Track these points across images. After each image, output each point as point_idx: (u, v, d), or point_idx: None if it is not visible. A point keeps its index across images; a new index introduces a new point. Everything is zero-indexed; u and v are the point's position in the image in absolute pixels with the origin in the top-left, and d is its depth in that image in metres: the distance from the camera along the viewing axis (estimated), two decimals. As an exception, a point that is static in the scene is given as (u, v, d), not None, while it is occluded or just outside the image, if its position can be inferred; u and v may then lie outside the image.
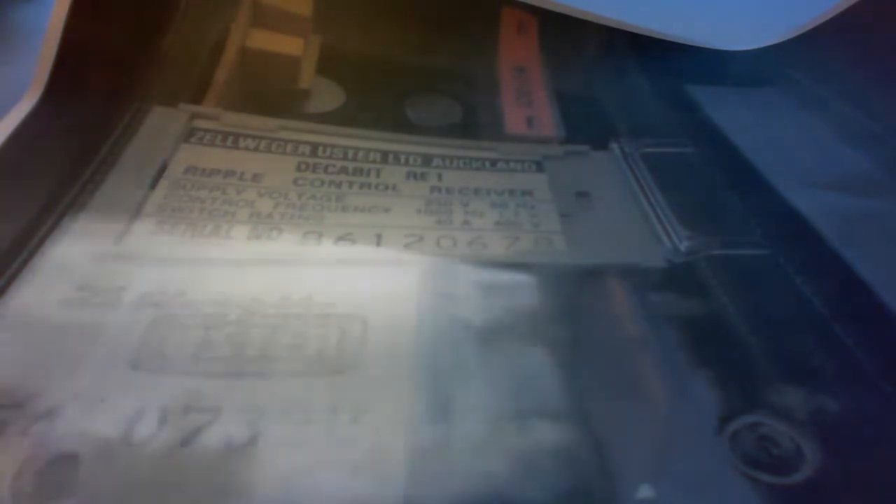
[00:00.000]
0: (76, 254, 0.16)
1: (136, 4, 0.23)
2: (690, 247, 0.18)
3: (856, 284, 0.17)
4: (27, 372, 0.13)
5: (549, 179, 0.21)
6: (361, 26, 0.26)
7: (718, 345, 0.16)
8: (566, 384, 0.14)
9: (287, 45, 0.25)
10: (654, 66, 0.28)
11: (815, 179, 0.21)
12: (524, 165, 0.22)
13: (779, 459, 0.13)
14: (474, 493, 0.12)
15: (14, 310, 0.14)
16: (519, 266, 0.17)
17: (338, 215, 0.19)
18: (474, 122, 0.24)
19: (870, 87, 0.27)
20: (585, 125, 0.24)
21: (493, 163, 0.22)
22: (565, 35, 0.28)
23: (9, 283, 0.15)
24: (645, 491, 0.12)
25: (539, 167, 0.22)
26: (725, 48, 0.28)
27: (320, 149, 0.21)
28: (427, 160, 0.22)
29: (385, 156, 0.21)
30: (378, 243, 0.18)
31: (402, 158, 0.21)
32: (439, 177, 0.21)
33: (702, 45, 0.27)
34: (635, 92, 0.27)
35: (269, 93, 0.24)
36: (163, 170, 0.19)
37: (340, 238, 0.18)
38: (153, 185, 0.19)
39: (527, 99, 0.25)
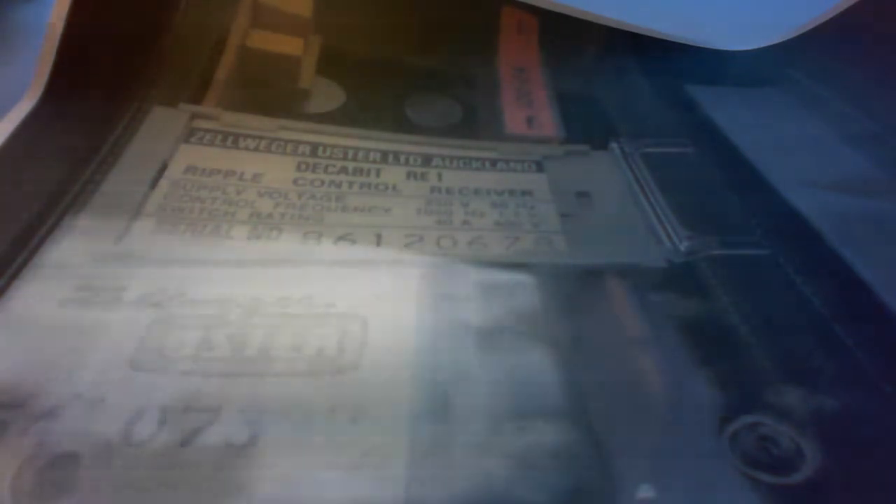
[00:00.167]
0: (76, 254, 0.16)
1: (136, 4, 0.23)
2: (690, 247, 0.18)
3: (856, 284, 0.17)
4: (27, 372, 0.13)
5: (549, 179, 0.21)
6: (361, 26, 0.26)
7: (718, 345, 0.16)
8: (566, 384, 0.14)
9: (287, 45, 0.25)
10: (654, 66, 0.28)
11: (815, 179, 0.21)
12: (524, 165, 0.22)
13: (779, 459, 0.13)
14: (474, 493, 0.12)
15: (14, 310, 0.14)
16: (519, 266, 0.17)
17: (338, 215, 0.19)
18: (474, 122, 0.24)
19: (870, 87, 0.27)
20: (585, 125, 0.24)
21: (493, 163, 0.22)
22: (565, 35, 0.28)
23: (9, 283, 0.15)
24: (645, 491, 0.12)
25: (539, 167, 0.22)
26: (725, 48, 0.28)
27: (320, 149, 0.21)
28: (427, 160, 0.22)
29: (385, 156, 0.21)
30: (378, 243, 0.18)
31: (402, 158, 0.21)
32: (439, 177, 0.21)
33: (702, 45, 0.28)
34: (635, 92, 0.27)
35: (269, 93, 0.24)
36: (163, 170, 0.19)
37: (340, 238, 0.18)
38: (153, 185, 0.19)
39: (527, 99, 0.25)
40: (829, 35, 0.28)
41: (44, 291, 0.15)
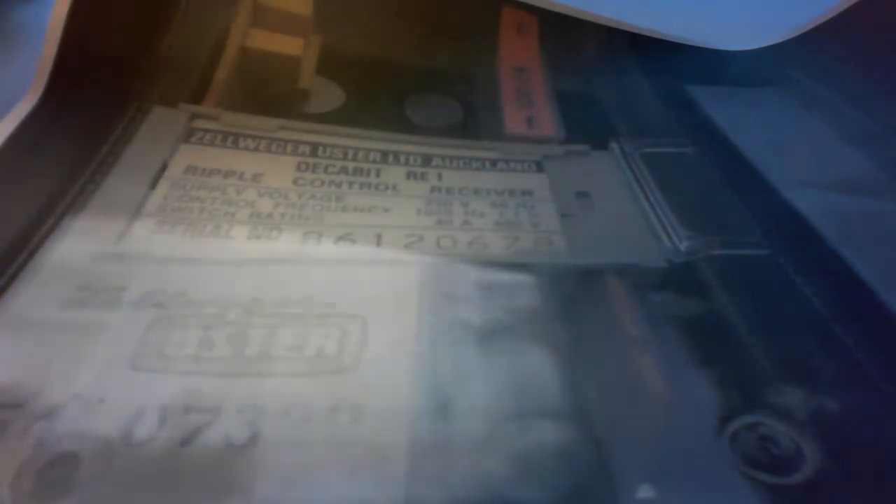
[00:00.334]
0: (76, 254, 0.16)
1: (136, 4, 0.23)
2: (690, 247, 0.18)
3: (856, 284, 0.17)
4: (27, 372, 0.13)
5: (549, 179, 0.21)
6: (361, 26, 0.26)
7: (718, 345, 0.16)
8: (566, 384, 0.14)
9: (287, 45, 0.25)
10: (654, 66, 0.28)
11: (815, 179, 0.21)
12: (524, 165, 0.22)
13: (779, 459, 0.13)
14: (474, 493, 0.12)
15: (14, 310, 0.14)
16: (519, 266, 0.17)
17: (338, 215, 0.19)
18: (474, 122, 0.24)
19: (870, 87, 0.27)
20: (585, 125, 0.24)
21: (493, 163, 0.22)
22: (565, 35, 0.28)
23: (9, 283, 0.15)
24: (645, 491, 0.12)
25: (539, 167, 0.22)
26: (725, 48, 0.28)
27: (320, 149, 0.21)
28: (427, 160, 0.22)
29: (385, 156, 0.21)
30: (378, 243, 0.18)
31: (402, 158, 0.21)
32: (439, 177, 0.21)
33: (702, 45, 0.27)
34: (635, 92, 0.27)
35: (269, 93, 0.24)
36: (163, 170, 0.19)
37: (340, 238, 0.18)
38: (153, 185, 0.19)
39: (527, 99, 0.25)
40: (829, 35, 0.28)
41: (44, 292, 0.15)
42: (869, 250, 0.18)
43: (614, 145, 0.23)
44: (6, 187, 0.17)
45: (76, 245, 0.16)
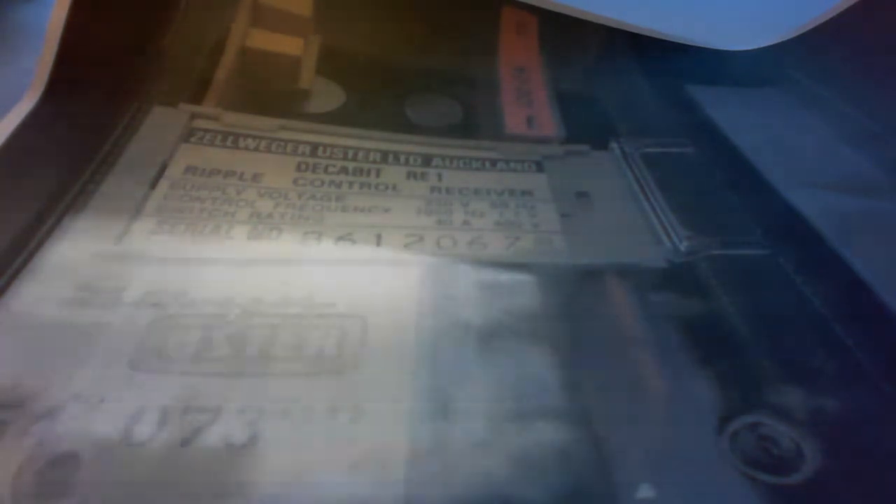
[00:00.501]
0: (76, 254, 0.16)
1: (136, 4, 0.23)
2: (690, 247, 0.18)
3: (856, 284, 0.17)
4: (27, 372, 0.13)
5: (549, 179, 0.21)
6: (361, 26, 0.26)
7: (718, 345, 0.16)
8: (566, 384, 0.14)
9: (287, 45, 0.25)
10: (654, 66, 0.28)
11: (815, 179, 0.21)
12: (524, 165, 0.22)
13: (779, 459, 0.13)
14: (474, 493, 0.12)
15: (14, 310, 0.14)
16: (519, 266, 0.17)
17: (338, 215, 0.19)
18: (474, 122, 0.24)
19: (870, 87, 0.27)
20: (585, 125, 0.24)
21: (493, 163, 0.22)
22: (565, 35, 0.28)
23: (9, 283, 0.15)
24: (645, 491, 0.12)
25: (539, 167, 0.22)
26: (725, 48, 0.28)
27: (320, 149, 0.21)
28: (427, 160, 0.22)
29: (385, 156, 0.21)
30: (378, 243, 0.18)
31: (402, 158, 0.21)
32: (439, 177, 0.21)
33: (702, 45, 0.27)
34: (635, 92, 0.27)
35: (269, 93, 0.24)
36: (163, 170, 0.19)
37: (340, 238, 0.18)
38: (153, 185, 0.19)
39: (527, 99, 0.25)
40: (829, 35, 0.28)
41: (44, 291, 0.15)
42: (869, 250, 0.18)
43: (614, 145, 0.23)
44: (6, 187, 0.17)
45: (76, 245, 0.16)
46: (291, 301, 0.16)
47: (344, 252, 0.17)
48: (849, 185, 0.21)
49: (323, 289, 0.16)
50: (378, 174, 0.21)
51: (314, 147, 0.21)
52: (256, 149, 0.21)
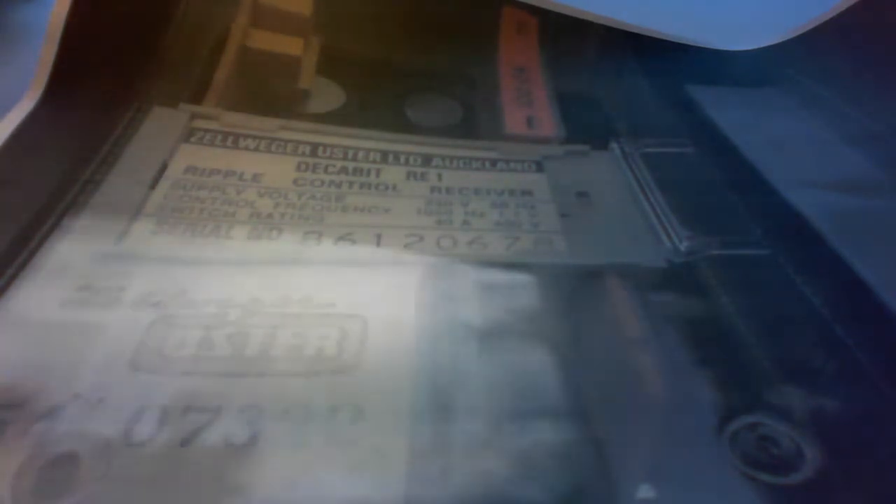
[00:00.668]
0: (76, 254, 0.16)
1: (135, 5, 0.23)
2: (690, 247, 0.18)
3: (856, 284, 0.17)
4: (27, 372, 0.13)
5: (549, 179, 0.21)
6: (361, 26, 0.26)
7: (718, 345, 0.16)
8: (566, 384, 0.14)
9: (287, 45, 0.25)
10: (654, 66, 0.28)
11: (815, 179, 0.21)
12: (524, 165, 0.22)
13: (779, 459, 0.13)
14: (474, 492, 0.12)
15: (14, 310, 0.14)
16: (519, 266, 0.17)
17: (338, 215, 0.19)
18: (474, 122, 0.24)
19: (870, 87, 0.27)
20: (585, 125, 0.24)
21: (493, 163, 0.22)
22: (565, 35, 0.28)
23: (9, 283, 0.15)
24: (645, 491, 0.12)
25: (539, 167, 0.22)
26: (725, 48, 0.28)
27: (320, 149, 0.21)
28: (427, 160, 0.22)
29: (385, 156, 0.21)
30: (378, 243, 0.18)
31: (402, 158, 0.21)
32: (439, 177, 0.21)
33: (702, 45, 0.27)
34: (635, 92, 0.27)
35: (269, 93, 0.24)
36: (163, 170, 0.19)
37: (340, 238, 0.18)
38: (153, 185, 0.19)
39: (527, 99, 0.25)
40: (829, 35, 0.28)
41: (44, 291, 0.15)
42: (869, 250, 0.18)
43: (614, 145, 0.23)
44: (6, 187, 0.17)
45: (76, 245, 0.16)
46: (291, 301, 0.16)
47: (344, 252, 0.17)
48: (849, 185, 0.21)
49: (323, 289, 0.16)
50: (378, 174, 0.21)
51: (314, 147, 0.21)
52: (256, 149, 0.21)
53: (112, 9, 0.22)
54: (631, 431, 0.13)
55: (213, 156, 0.20)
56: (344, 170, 0.21)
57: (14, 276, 0.15)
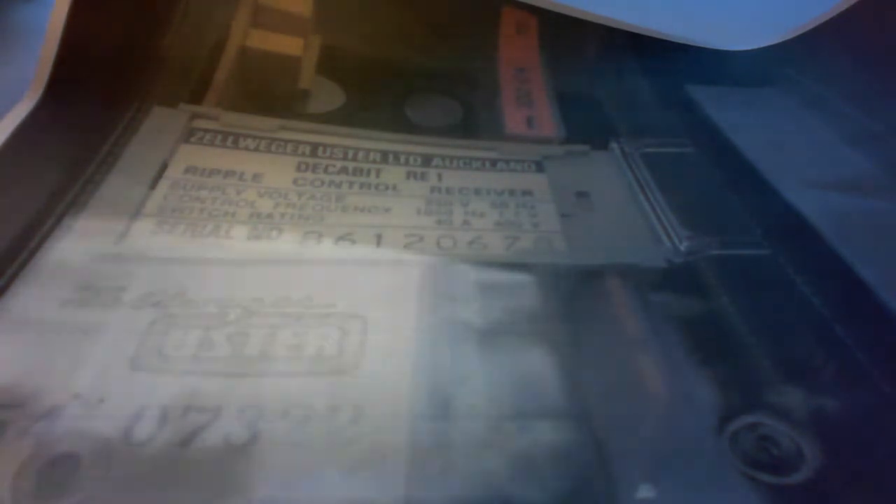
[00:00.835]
0: (76, 254, 0.16)
1: (136, 5, 0.23)
2: (690, 247, 0.18)
3: (856, 284, 0.17)
4: (27, 372, 0.13)
5: (549, 179, 0.21)
6: (361, 26, 0.26)
7: (718, 345, 0.16)
8: (566, 384, 0.14)
9: (287, 45, 0.25)
10: (654, 66, 0.28)
11: (815, 179, 0.21)
12: (524, 165, 0.22)
13: (779, 459, 0.13)
14: (474, 493, 0.12)
15: (14, 310, 0.14)
16: (519, 266, 0.17)
17: (338, 215, 0.19)
18: (474, 122, 0.24)
19: (870, 87, 0.27)
20: (585, 125, 0.24)
21: (493, 163, 0.22)
22: (565, 35, 0.28)
23: (9, 283, 0.15)
24: (645, 491, 0.12)
25: (539, 167, 0.22)
26: (725, 48, 0.28)
27: (320, 149, 0.21)
28: (427, 160, 0.22)
29: (385, 156, 0.21)
30: (378, 243, 0.18)
31: (402, 158, 0.21)
32: (439, 177, 0.21)
33: (702, 45, 0.27)
34: (635, 92, 0.27)
35: (269, 93, 0.24)
36: (163, 170, 0.19)
37: (340, 238, 0.18)
38: (153, 185, 0.19)
39: (527, 99, 0.25)
40: (829, 35, 0.28)
41: (44, 291, 0.15)
42: (869, 250, 0.18)
43: (614, 145, 0.23)
44: (6, 187, 0.17)
45: (76, 245, 0.16)
46: (291, 301, 0.16)
47: (344, 252, 0.17)
48: (849, 185, 0.21)
49: (323, 289, 0.16)
50: (378, 174, 0.21)
51: (314, 147, 0.21)
52: (256, 149, 0.21)
53: (112, 9, 0.22)
54: (631, 431, 0.13)
55: (213, 156, 0.20)
56: (344, 170, 0.21)
57: (14, 276, 0.15)
